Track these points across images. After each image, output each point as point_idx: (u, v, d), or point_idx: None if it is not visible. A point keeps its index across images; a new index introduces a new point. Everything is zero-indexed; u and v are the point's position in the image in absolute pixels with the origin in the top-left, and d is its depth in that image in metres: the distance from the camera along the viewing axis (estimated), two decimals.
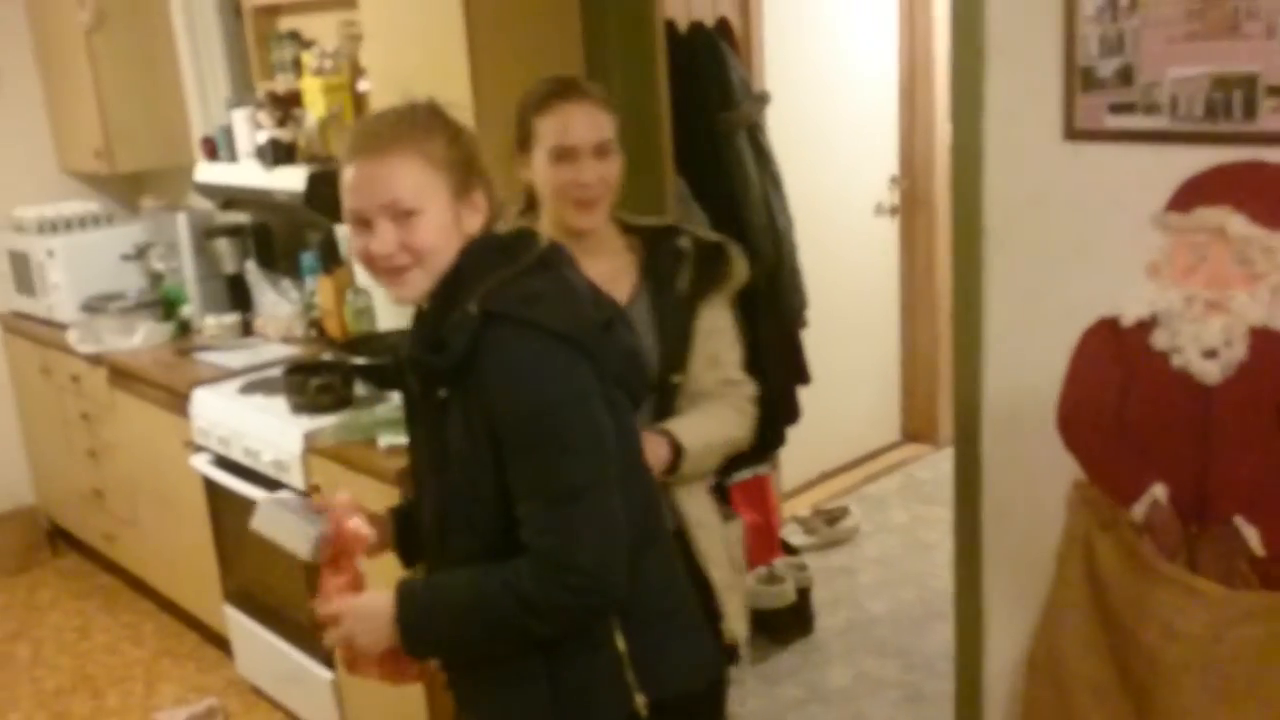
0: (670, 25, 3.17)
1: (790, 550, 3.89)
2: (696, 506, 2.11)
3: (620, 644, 1.62)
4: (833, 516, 4.24)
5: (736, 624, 2.18)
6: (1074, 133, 1.99)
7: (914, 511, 4.43)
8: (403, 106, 1.61)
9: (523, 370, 1.51)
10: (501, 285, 1.55)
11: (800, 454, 4.16)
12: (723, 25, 3.51)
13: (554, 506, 1.51)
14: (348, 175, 1.57)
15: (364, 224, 1.56)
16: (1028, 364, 2.16)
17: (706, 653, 1.79)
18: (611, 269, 2.03)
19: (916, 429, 4.97)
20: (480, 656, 1.66)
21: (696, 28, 3.41)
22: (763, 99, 3.47)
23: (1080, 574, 2.10)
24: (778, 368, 3.52)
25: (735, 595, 2.18)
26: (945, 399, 4.85)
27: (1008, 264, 2.16)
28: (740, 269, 2.11)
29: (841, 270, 4.41)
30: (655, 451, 1.98)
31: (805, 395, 3.69)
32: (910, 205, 4.75)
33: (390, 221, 1.54)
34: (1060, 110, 2.00)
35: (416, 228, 1.54)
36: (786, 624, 3.55)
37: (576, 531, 1.50)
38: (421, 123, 1.58)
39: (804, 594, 3.61)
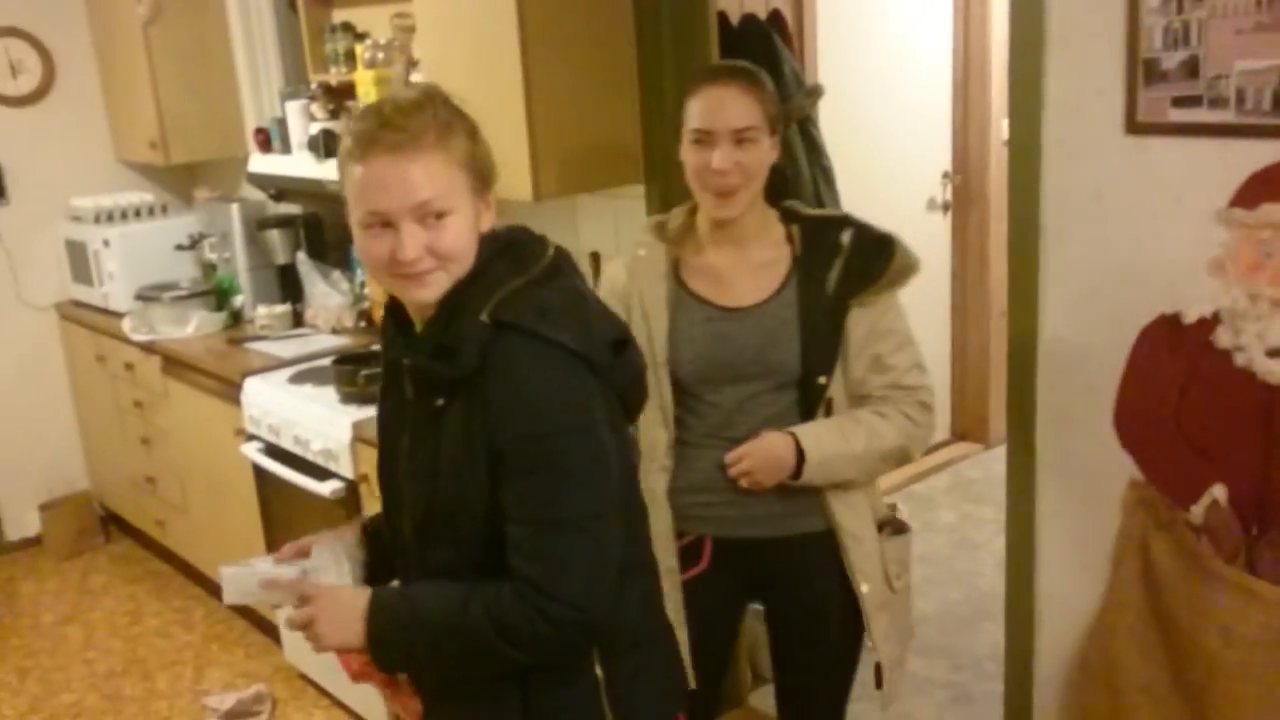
0: (723, 17, 3.15)
1: None
2: (851, 515, 2.03)
3: (599, 672, 1.56)
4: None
5: (883, 645, 2.08)
6: (1136, 126, 1.96)
7: (962, 511, 4.38)
8: (418, 97, 1.48)
9: (532, 388, 1.44)
10: (514, 294, 1.47)
11: None
12: (775, 17, 3.48)
13: (546, 534, 1.44)
14: (363, 172, 1.44)
15: (386, 225, 1.44)
16: (1084, 362, 2.12)
17: (678, 682, 1.75)
18: (762, 260, 2.00)
19: (966, 427, 4.92)
20: (448, 676, 1.57)
21: (749, 20, 3.39)
22: (815, 92, 3.44)
23: (1136, 575, 2.06)
24: None
25: (885, 615, 2.07)
26: (996, 397, 4.79)
27: (1065, 260, 2.12)
28: (902, 266, 1.98)
29: None
30: (778, 454, 1.94)
31: None
32: (963, 201, 4.70)
33: (418, 224, 1.44)
34: (1122, 103, 1.96)
35: (445, 230, 1.45)
36: None
37: (565, 562, 1.44)
38: (443, 118, 1.46)
39: None
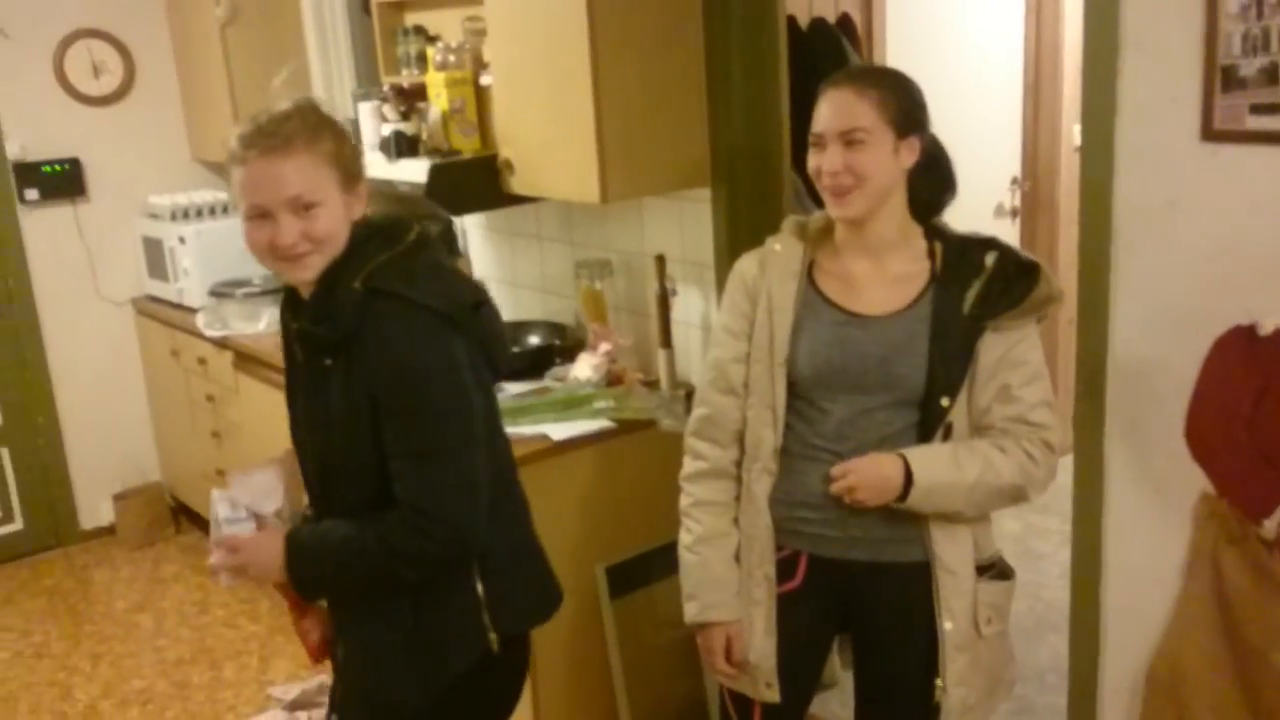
0: (791, 21, 3.15)
1: None
2: (952, 549, 1.95)
3: (479, 589, 1.83)
4: None
5: (955, 688, 1.96)
6: (1212, 134, 1.93)
7: (1026, 520, 4.32)
8: (290, 109, 1.75)
9: (401, 340, 1.71)
10: (383, 266, 1.75)
11: None
12: (845, 21, 3.48)
13: (422, 464, 1.71)
14: (244, 173, 1.71)
15: (265, 216, 1.71)
16: (1155, 372, 2.10)
17: (549, 594, 2.02)
18: (899, 271, 1.96)
19: None
20: (359, 596, 1.84)
21: (818, 23, 3.39)
22: None
23: (1206, 590, 2.03)
24: None
25: (966, 658, 1.97)
26: (1063, 406, 4.72)
27: (1137, 268, 2.09)
28: (1044, 295, 1.90)
29: None
30: (885, 474, 1.89)
31: None
32: (1032, 207, 4.64)
33: (292, 214, 1.70)
34: (1198, 110, 1.93)
35: (317, 218, 1.72)
36: None
37: (440, 486, 1.71)
38: (312, 123, 1.74)
39: None
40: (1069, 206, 4.57)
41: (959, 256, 1.94)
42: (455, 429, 1.73)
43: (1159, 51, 1.97)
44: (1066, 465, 2.31)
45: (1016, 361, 1.92)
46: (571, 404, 2.88)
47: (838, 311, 1.98)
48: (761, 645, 2.04)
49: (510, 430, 2.73)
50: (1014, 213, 4.63)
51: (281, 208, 1.70)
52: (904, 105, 1.92)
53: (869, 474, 1.90)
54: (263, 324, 4.00)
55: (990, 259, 1.93)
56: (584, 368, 3.04)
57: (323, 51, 4.26)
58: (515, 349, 3.31)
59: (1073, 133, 4.50)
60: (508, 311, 3.67)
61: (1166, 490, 2.11)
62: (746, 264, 2.09)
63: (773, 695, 2.05)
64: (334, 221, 1.74)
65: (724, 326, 2.08)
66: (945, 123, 4.41)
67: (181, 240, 4.35)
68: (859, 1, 3.73)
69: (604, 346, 3.05)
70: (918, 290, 1.95)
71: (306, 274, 1.76)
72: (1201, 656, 2.04)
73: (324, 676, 3.56)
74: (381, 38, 3.58)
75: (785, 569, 2.04)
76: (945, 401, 1.90)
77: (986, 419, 1.93)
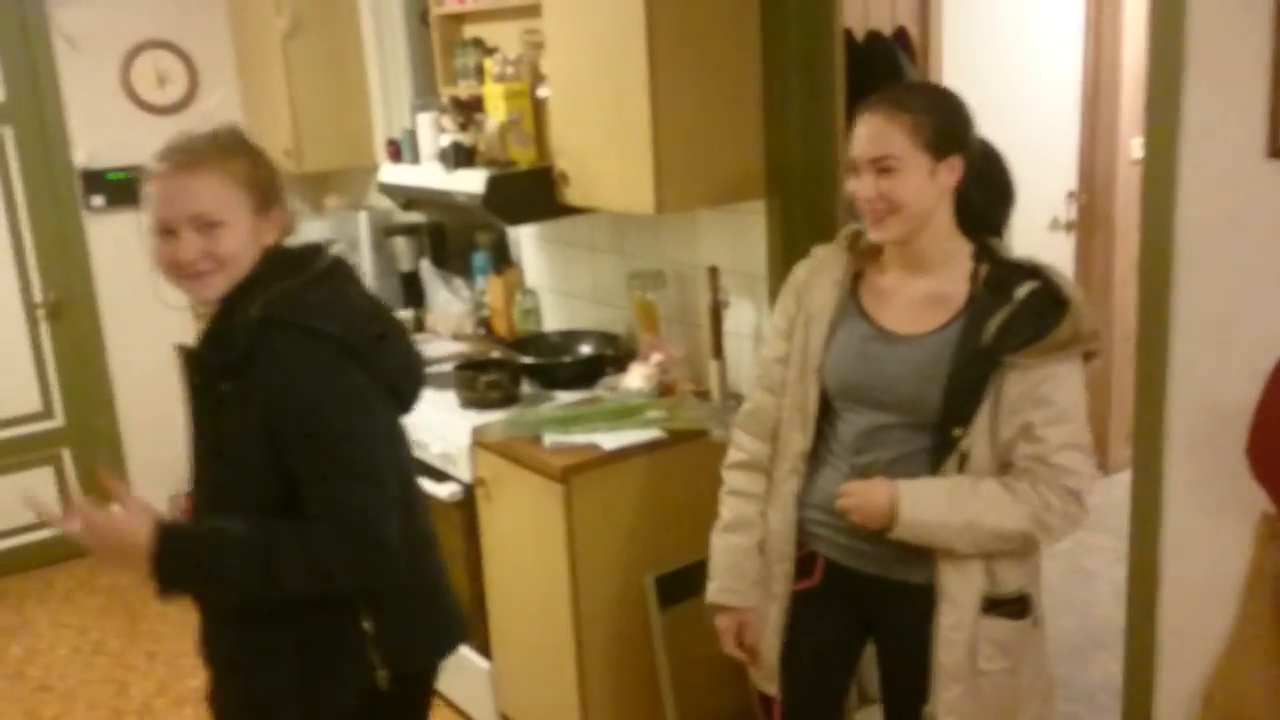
0: (847, 34, 3.15)
1: None
2: (956, 579, 1.90)
3: (367, 626, 1.78)
4: None
5: (945, 717, 1.93)
6: (1278, 150, 1.90)
7: (1078, 537, 4.25)
8: (209, 131, 1.76)
9: (294, 367, 1.69)
10: (283, 293, 1.71)
11: None
12: (901, 34, 3.47)
13: (338, 487, 1.67)
14: (154, 187, 1.71)
15: (170, 232, 1.71)
16: (1216, 390, 2.07)
17: (448, 632, 1.98)
18: (936, 291, 1.92)
19: None
20: (230, 596, 1.75)
21: (874, 37, 3.38)
22: None
23: (1266, 611, 2.00)
24: None
25: (959, 688, 1.92)
26: (1117, 423, 4.67)
27: (1199, 286, 2.07)
28: (1069, 335, 1.82)
29: None
30: (878, 502, 1.88)
31: None
32: (1088, 221, 4.60)
33: (195, 231, 1.70)
34: (1264, 126, 1.91)
35: (220, 238, 1.71)
36: None
37: (355, 507, 1.66)
38: (226, 144, 1.74)
39: None
40: (1126, 221, 4.52)
41: (997, 283, 1.87)
42: (368, 451, 1.70)
43: (1224, 67, 1.96)
44: (1122, 481, 2.29)
45: (1041, 400, 1.83)
46: (623, 414, 2.90)
47: (870, 326, 1.98)
48: (770, 639, 2.11)
49: (561, 439, 2.79)
50: (1069, 226, 4.59)
51: (185, 224, 1.70)
52: (940, 126, 1.87)
53: (864, 498, 1.91)
54: None
55: (1023, 290, 1.85)
56: (636, 378, 3.05)
57: (381, 63, 4.32)
58: (567, 358, 3.35)
59: (1131, 146, 4.45)
60: (560, 320, 3.70)
61: (1226, 509, 2.09)
62: (800, 268, 2.12)
63: (771, 689, 2.12)
64: (238, 243, 1.73)
65: (773, 326, 2.13)
66: (1001, 135, 4.38)
67: None
68: (915, 14, 3.72)
69: (656, 357, 3.06)
70: (951, 313, 1.90)
71: (206, 293, 1.74)
72: (1260, 679, 2.01)
73: None
74: (440, 50, 3.63)
75: (804, 567, 2.09)
76: (957, 431, 1.86)
77: (1009, 455, 1.87)
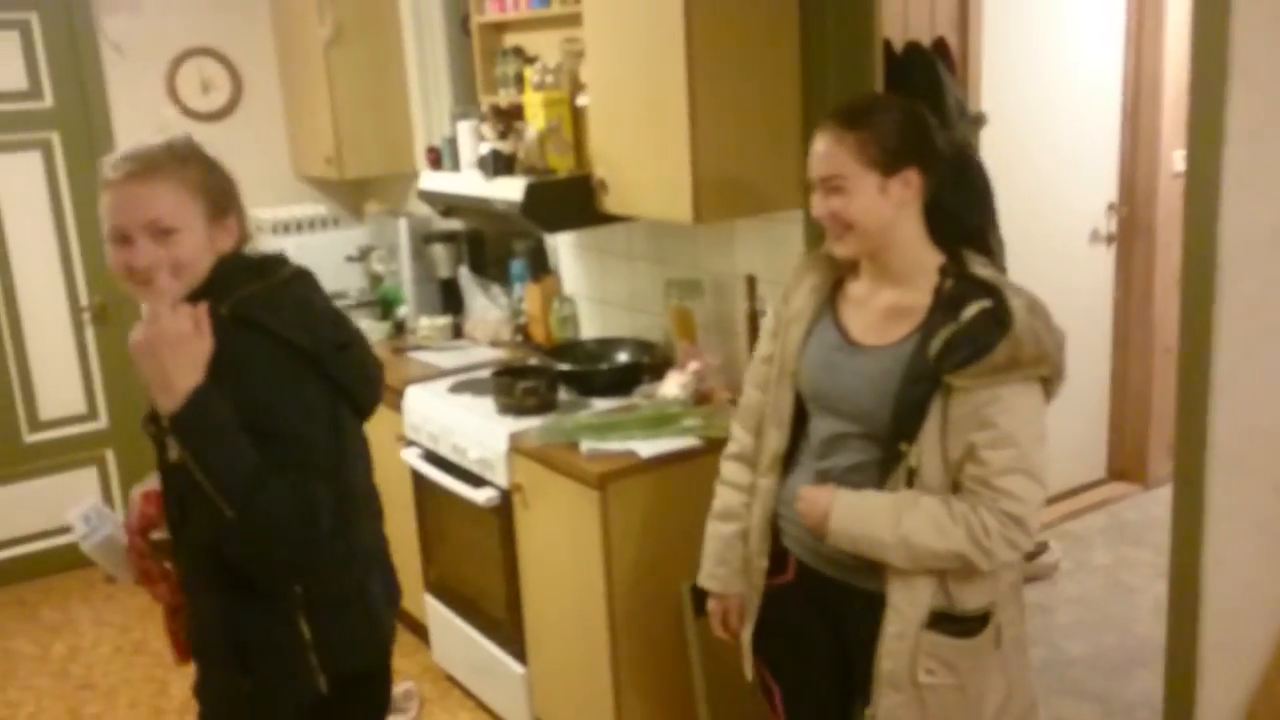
0: (886, 44, 3.15)
1: None
2: (902, 589, 1.90)
3: (306, 632, 1.84)
4: (1031, 551, 4.09)
5: None
6: None
7: (1118, 553, 4.24)
8: (164, 140, 1.79)
9: (255, 369, 1.74)
10: (252, 296, 1.78)
11: None
12: (940, 45, 3.46)
13: (298, 479, 1.70)
14: (108, 196, 1.75)
15: (125, 240, 1.73)
16: (1260, 405, 2.05)
17: (384, 633, 2.02)
18: (901, 304, 1.92)
19: (1124, 467, 4.75)
20: (217, 480, 1.73)
21: (913, 47, 3.37)
22: (979, 120, 3.40)
23: None
24: None
25: (899, 697, 1.92)
26: (1157, 437, 4.63)
27: (1243, 299, 2.05)
28: (1007, 359, 1.78)
29: (1052, 297, 4.18)
30: (818, 509, 1.93)
31: None
32: (1128, 233, 4.56)
33: (150, 238, 1.73)
34: None
35: (175, 244, 1.74)
36: None
37: (316, 502, 1.71)
38: (180, 153, 1.77)
39: None
40: (1167, 233, 4.48)
41: (952, 300, 1.85)
42: (296, 453, 1.73)
43: (1269, 76, 1.94)
44: (1161, 497, 2.27)
45: (985, 422, 1.81)
46: (659, 421, 2.90)
47: (838, 334, 2.00)
48: (748, 628, 2.19)
49: (598, 446, 2.80)
50: (1110, 239, 4.55)
51: (140, 231, 1.72)
52: (888, 143, 1.86)
53: (809, 504, 1.95)
54: None
55: (972, 310, 1.81)
56: (672, 386, 3.06)
57: (421, 71, 4.36)
58: (604, 365, 3.36)
59: (1173, 158, 4.41)
60: (597, 328, 3.72)
61: (1269, 525, 2.06)
62: (792, 271, 2.16)
63: (747, 673, 2.24)
64: (193, 250, 1.76)
65: (764, 325, 2.18)
66: (1041, 147, 4.41)
67: (282, 253, 4.46)
68: (955, 25, 3.71)
69: (692, 365, 3.07)
70: (911, 327, 1.89)
71: (160, 300, 1.76)
72: None
73: (409, 683, 3.63)
74: (481, 58, 3.65)
75: (778, 563, 2.13)
76: (904, 446, 1.86)
77: (958, 474, 1.85)
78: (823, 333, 2.02)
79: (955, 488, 1.87)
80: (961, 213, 1.93)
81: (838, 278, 2.06)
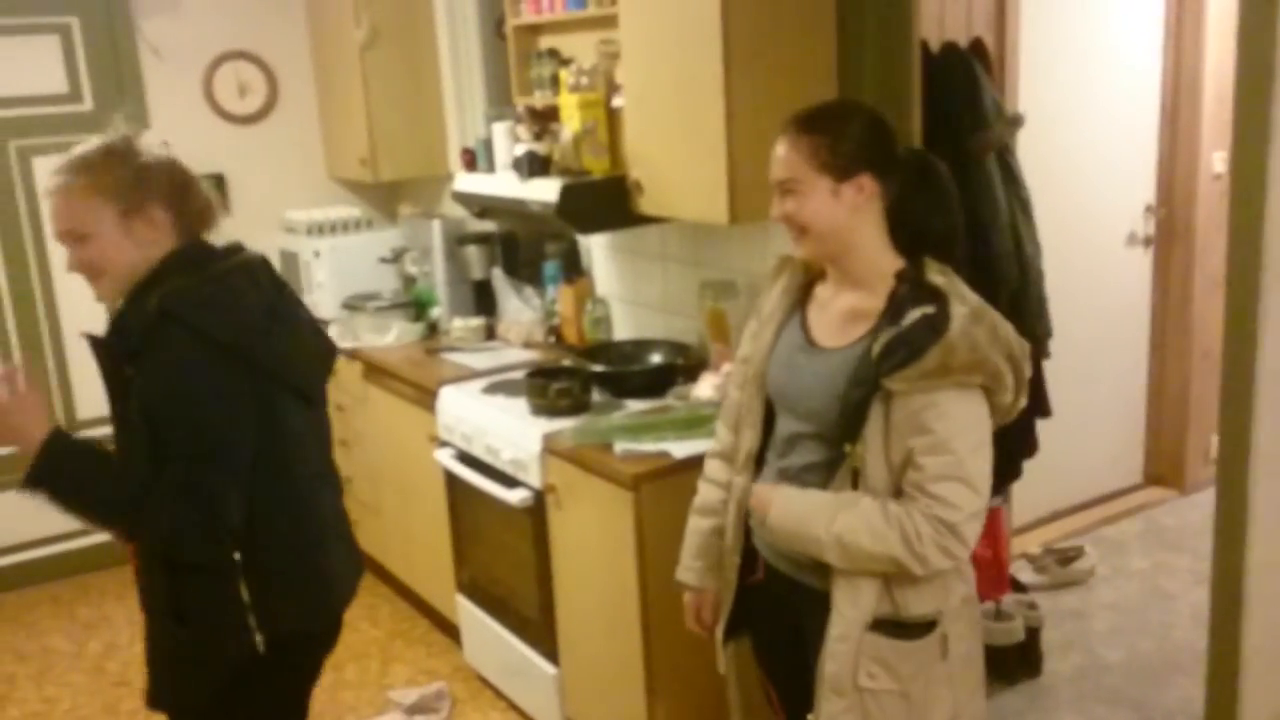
0: (923, 45, 3.13)
1: (1019, 588, 3.76)
2: (845, 590, 1.89)
3: (245, 595, 1.98)
4: (1066, 556, 4.06)
5: None
6: None
7: (1155, 558, 4.19)
8: (95, 144, 1.96)
9: (170, 360, 1.88)
10: (177, 291, 1.90)
11: (1033, 489, 4.00)
12: (977, 45, 3.43)
13: (193, 468, 1.86)
14: (48, 205, 1.96)
15: (63, 245, 1.97)
16: None
17: (324, 598, 2.14)
18: (858, 308, 1.93)
19: (1161, 472, 4.70)
20: (84, 515, 1.99)
21: (950, 48, 3.35)
22: (1015, 121, 3.37)
23: None
24: None
25: (842, 702, 1.90)
26: (1195, 443, 4.58)
27: None
28: (939, 364, 1.77)
29: (1089, 301, 4.24)
30: (763, 501, 1.97)
31: (1043, 428, 3.55)
32: (1166, 236, 4.52)
33: (70, 245, 1.95)
34: None
35: (88, 248, 1.93)
36: (1013, 662, 3.43)
37: (214, 488, 1.87)
38: (93, 159, 1.93)
39: (1033, 634, 3.47)
40: (1205, 235, 4.44)
41: (899, 305, 1.85)
42: (191, 442, 1.88)
43: None
44: (1199, 502, 2.25)
45: (921, 427, 1.80)
46: (693, 423, 2.90)
47: (801, 336, 2.02)
48: (720, 623, 2.23)
49: (632, 447, 2.80)
50: (1147, 241, 4.51)
51: (63, 239, 1.96)
52: (841, 148, 1.87)
53: (757, 500, 1.99)
54: (391, 337, 4.12)
55: (913, 315, 1.81)
56: (706, 387, 3.06)
57: (455, 74, 4.38)
58: (638, 366, 3.36)
59: (1213, 160, 4.37)
60: (630, 330, 3.72)
61: None
62: (769, 273, 2.17)
63: (720, 667, 2.29)
64: (104, 251, 1.93)
65: (748, 327, 2.18)
66: (1078, 148, 4.38)
67: (316, 254, 4.50)
68: (992, 25, 3.68)
69: (727, 366, 3.06)
70: (862, 331, 1.91)
71: (100, 294, 2.00)
72: None
73: (441, 684, 3.64)
74: (516, 60, 3.66)
75: (749, 561, 2.15)
76: (848, 448, 1.87)
77: (900, 478, 1.85)
78: (789, 334, 2.05)
79: (899, 492, 1.86)
80: (925, 219, 1.93)
81: (809, 280, 2.08)
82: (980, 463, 1.82)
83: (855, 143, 1.88)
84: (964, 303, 1.82)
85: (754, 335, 2.14)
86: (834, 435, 1.90)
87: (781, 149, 1.92)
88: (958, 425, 1.79)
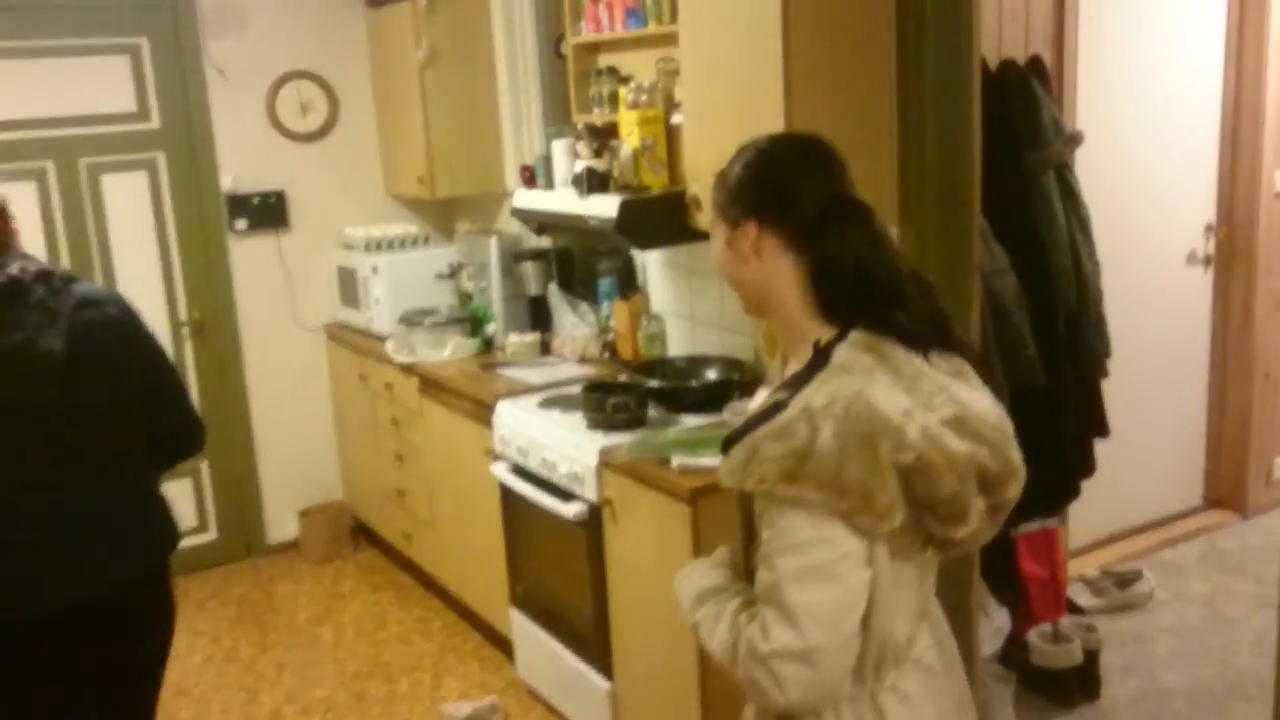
0: (981, 63, 3.13)
1: (1075, 610, 3.71)
2: None
3: None
4: (1124, 579, 4.01)
5: None
6: None
7: (1215, 582, 4.12)
8: None
9: None
10: None
11: (1091, 511, 3.96)
12: (1035, 62, 3.43)
13: None
14: None
15: None
16: None
17: (20, 588, 2.21)
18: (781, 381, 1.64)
19: (1221, 495, 4.63)
20: None
21: (1008, 65, 3.35)
22: (1074, 139, 3.36)
23: None
24: (1075, 416, 3.39)
25: None
26: (1256, 466, 4.51)
27: None
28: (738, 462, 1.47)
29: (1148, 320, 4.19)
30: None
31: (1101, 449, 3.52)
32: (1227, 255, 4.46)
33: None
34: None
35: None
36: (1071, 685, 3.39)
37: None
38: None
39: (1091, 656, 3.43)
40: (1267, 254, 4.39)
41: (781, 387, 1.56)
42: None
43: None
44: (1262, 526, 2.20)
45: (759, 534, 1.50)
46: None
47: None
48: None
49: (689, 462, 2.80)
50: (1207, 261, 4.46)
51: None
52: (727, 187, 1.61)
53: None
54: (447, 352, 4.16)
55: (771, 400, 1.53)
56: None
57: (513, 92, 4.44)
58: (694, 382, 3.37)
59: (1275, 179, 4.32)
60: (684, 346, 3.73)
61: None
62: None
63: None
64: None
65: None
66: (1137, 166, 4.35)
67: (374, 270, 4.56)
68: (1050, 42, 3.67)
69: None
70: None
71: None
72: None
73: (494, 697, 3.65)
74: (575, 78, 3.70)
75: None
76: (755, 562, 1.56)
77: None
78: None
79: None
80: (838, 277, 1.54)
81: None
82: (803, 594, 1.41)
83: (735, 183, 1.61)
84: (828, 391, 1.44)
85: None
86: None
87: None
88: (778, 543, 1.44)
